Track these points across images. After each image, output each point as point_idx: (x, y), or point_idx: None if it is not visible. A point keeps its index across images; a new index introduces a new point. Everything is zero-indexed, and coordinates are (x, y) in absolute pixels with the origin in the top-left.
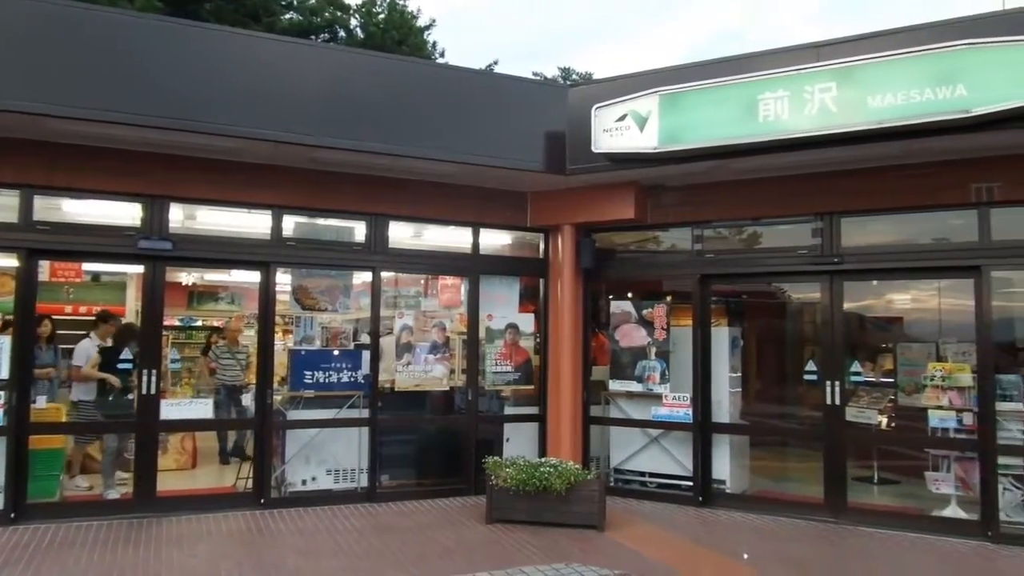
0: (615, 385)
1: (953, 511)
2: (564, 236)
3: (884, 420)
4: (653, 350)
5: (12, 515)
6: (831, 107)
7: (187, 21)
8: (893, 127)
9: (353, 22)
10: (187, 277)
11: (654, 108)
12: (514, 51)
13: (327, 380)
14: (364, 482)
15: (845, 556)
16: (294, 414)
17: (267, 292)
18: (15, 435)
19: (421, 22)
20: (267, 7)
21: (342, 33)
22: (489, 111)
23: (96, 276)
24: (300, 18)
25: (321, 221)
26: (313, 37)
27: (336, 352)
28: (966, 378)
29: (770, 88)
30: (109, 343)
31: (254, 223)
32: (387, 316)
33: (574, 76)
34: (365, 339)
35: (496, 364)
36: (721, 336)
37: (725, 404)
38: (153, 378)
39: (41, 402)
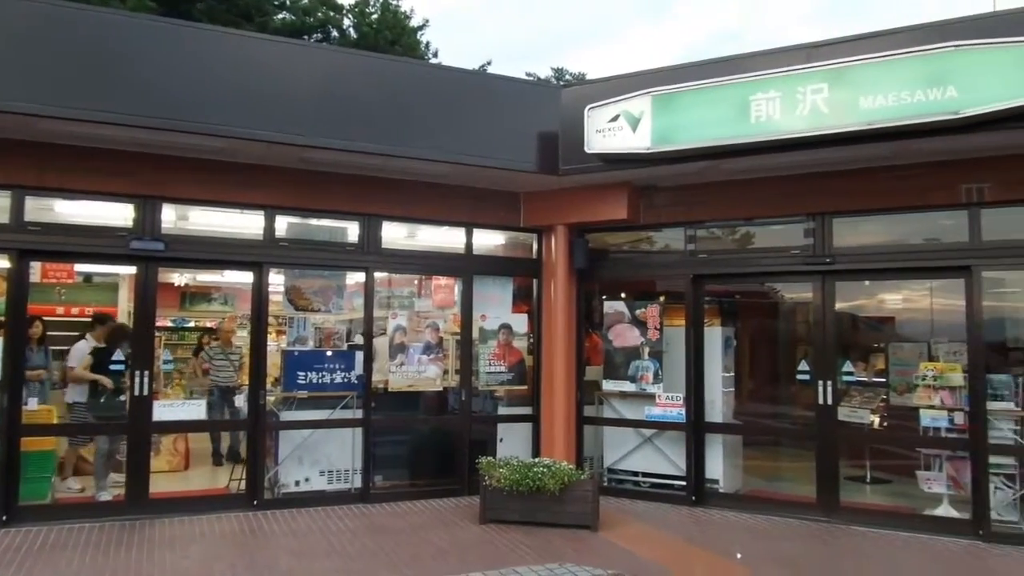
0: (608, 385)
1: (945, 510)
2: (557, 236)
3: (876, 420)
4: (646, 350)
5: (3, 517)
6: (823, 108)
7: (179, 21)
8: (884, 128)
9: (346, 22)
10: (179, 278)
11: (647, 109)
12: (508, 51)
13: (320, 381)
14: (358, 483)
15: (838, 555)
16: (287, 415)
17: (260, 293)
18: (6, 437)
19: (414, 22)
20: (260, 7)
21: (335, 33)
22: (482, 111)
23: (88, 277)
24: (293, 18)
25: (314, 221)
26: (306, 37)
27: (329, 353)
28: (957, 378)
29: (762, 89)
30: (103, 345)
31: (247, 223)
32: (380, 316)
33: (567, 76)
34: (358, 340)
35: (490, 364)
36: (714, 336)
37: (718, 404)
38: (146, 379)
39: (33, 404)
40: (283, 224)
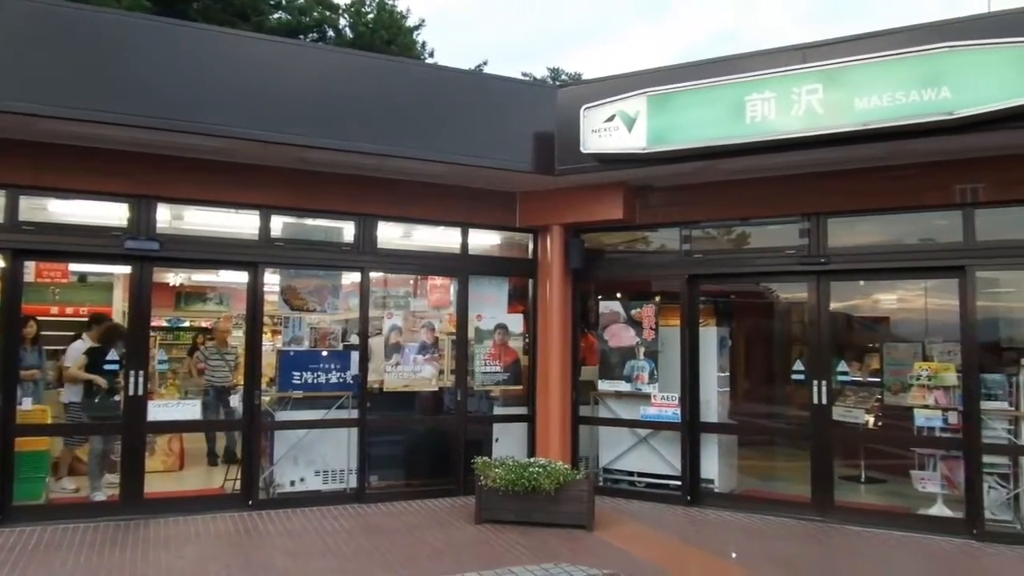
0: (604, 385)
1: (939, 509)
2: (553, 236)
3: (871, 419)
4: (642, 350)
5: None
6: (817, 108)
7: (177, 21)
8: (879, 128)
9: (342, 22)
10: (174, 278)
11: (642, 109)
12: (504, 51)
13: (316, 381)
14: (353, 483)
15: (832, 554)
16: (282, 415)
17: (255, 293)
18: (1, 437)
19: (410, 22)
20: (255, 6)
21: (331, 33)
22: (478, 111)
23: (83, 277)
24: (289, 18)
25: (310, 221)
26: (302, 37)
27: (325, 353)
28: (951, 377)
29: (757, 89)
30: (98, 344)
31: (242, 223)
32: (376, 316)
33: (563, 76)
34: (354, 340)
35: (485, 364)
36: (709, 336)
37: (713, 404)
38: (140, 379)
39: (27, 404)
40: (279, 224)
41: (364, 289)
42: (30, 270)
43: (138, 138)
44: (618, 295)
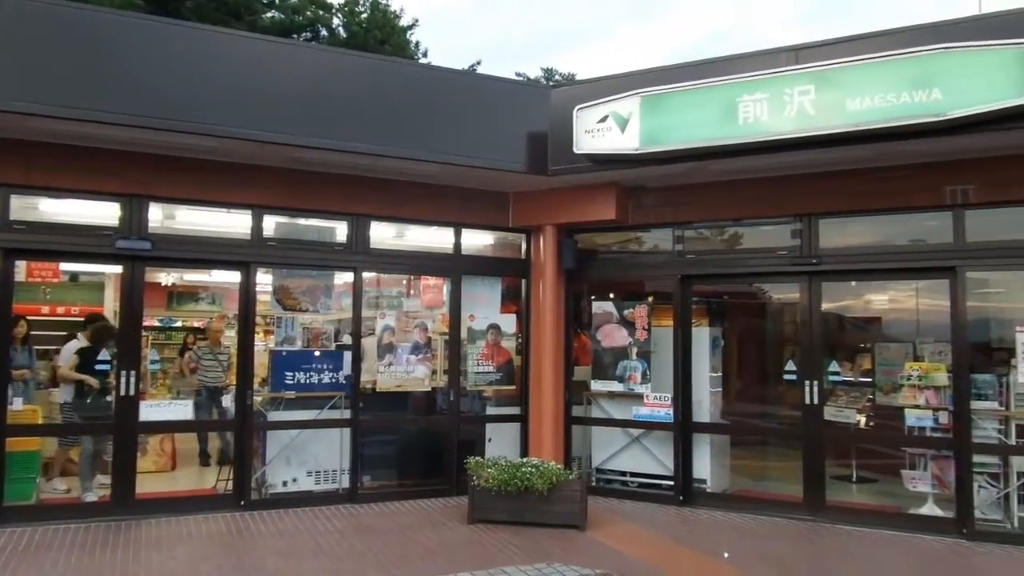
0: (597, 385)
1: (930, 509)
2: (546, 236)
3: (862, 419)
4: (634, 350)
5: None
6: (809, 109)
7: (170, 20)
8: (870, 130)
9: (335, 21)
10: (167, 277)
11: (635, 109)
12: (498, 51)
13: (308, 381)
14: (345, 483)
15: (824, 554)
16: (275, 415)
17: (247, 292)
18: None
19: (404, 21)
20: (248, 5)
21: (324, 32)
22: (471, 111)
23: (74, 276)
24: (282, 17)
25: (302, 221)
26: (295, 36)
27: (317, 353)
28: (942, 377)
29: (749, 90)
30: (89, 344)
31: (234, 223)
32: (369, 316)
33: (557, 77)
34: (347, 340)
35: (478, 364)
36: (702, 336)
37: (706, 404)
38: (132, 379)
39: (17, 404)
40: (271, 224)
41: (357, 289)
42: (21, 269)
43: (131, 137)
44: (611, 295)
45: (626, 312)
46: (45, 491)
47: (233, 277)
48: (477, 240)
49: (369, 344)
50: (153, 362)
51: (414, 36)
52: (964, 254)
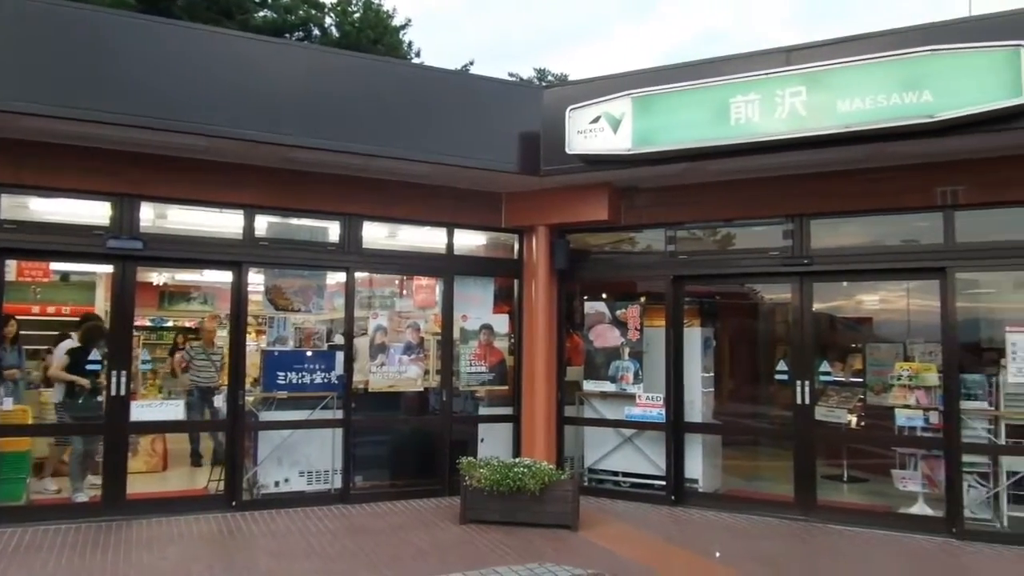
0: (589, 385)
1: (920, 508)
2: (538, 237)
3: (853, 419)
4: (627, 350)
5: None
6: (801, 111)
7: (163, 19)
8: (861, 131)
9: (328, 21)
10: (158, 277)
11: (627, 110)
12: (490, 52)
13: (300, 381)
14: (337, 483)
15: (815, 553)
16: (266, 415)
17: (239, 292)
18: None
19: (397, 21)
20: (240, 4)
21: (316, 32)
22: (464, 112)
23: (65, 276)
24: (274, 16)
25: (294, 221)
26: (287, 35)
27: (309, 353)
28: (932, 377)
29: (741, 91)
30: (79, 344)
31: (226, 222)
32: (361, 317)
33: (549, 77)
34: (339, 340)
35: (470, 365)
36: (694, 336)
37: (698, 404)
38: (123, 379)
39: (7, 404)
40: (263, 223)
41: (349, 289)
42: (11, 269)
43: (124, 137)
44: (603, 295)
45: (618, 312)
46: (36, 491)
47: (225, 277)
48: (470, 240)
49: (361, 344)
50: (144, 362)
51: (407, 36)
52: (954, 255)
